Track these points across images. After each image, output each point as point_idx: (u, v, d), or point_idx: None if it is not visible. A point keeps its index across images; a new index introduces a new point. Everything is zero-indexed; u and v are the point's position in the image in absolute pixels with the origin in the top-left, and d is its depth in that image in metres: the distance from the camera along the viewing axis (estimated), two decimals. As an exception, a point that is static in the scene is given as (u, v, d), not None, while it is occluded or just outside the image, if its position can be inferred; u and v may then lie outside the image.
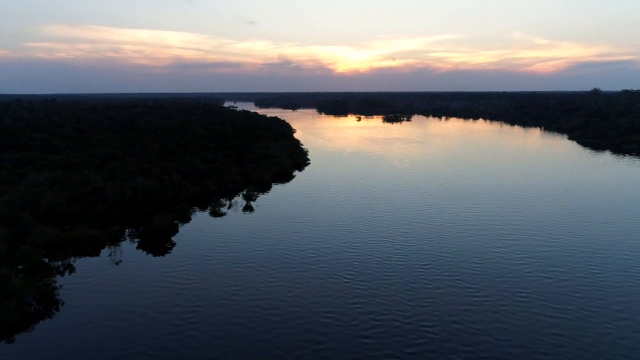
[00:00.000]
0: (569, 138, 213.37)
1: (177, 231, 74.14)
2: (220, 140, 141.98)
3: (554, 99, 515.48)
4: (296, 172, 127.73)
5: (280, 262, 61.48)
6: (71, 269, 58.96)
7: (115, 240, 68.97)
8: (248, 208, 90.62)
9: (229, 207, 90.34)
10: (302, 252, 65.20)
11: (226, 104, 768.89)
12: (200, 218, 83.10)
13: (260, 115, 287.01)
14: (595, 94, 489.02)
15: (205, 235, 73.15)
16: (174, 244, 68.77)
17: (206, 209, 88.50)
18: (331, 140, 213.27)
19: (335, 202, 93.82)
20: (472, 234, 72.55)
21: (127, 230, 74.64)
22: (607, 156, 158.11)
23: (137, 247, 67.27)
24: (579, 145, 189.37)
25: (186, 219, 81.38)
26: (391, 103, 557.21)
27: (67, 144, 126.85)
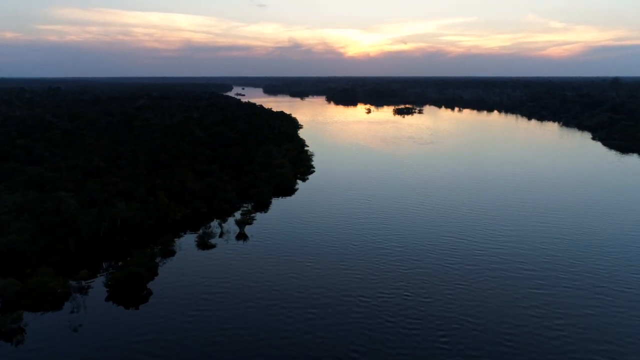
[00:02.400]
0: (593, 138, 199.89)
1: (157, 272, 64.55)
2: (219, 146, 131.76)
3: (571, 88, 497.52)
4: (299, 184, 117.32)
5: (275, 318, 51.50)
6: (21, 335, 49.65)
7: (81, 290, 59.47)
8: (241, 236, 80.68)
9: (220, 235, 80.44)
10: (299, 302, 55.20)
11: (234, 91, 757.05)
12: (186, 251, 73.33)
13: (265, 109, 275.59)
14: (616, 83, 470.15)
15: (187, 278, 63.39)
16: (149, 293, 59.16)
17: (195, 235, 78.55)
18: (339, 139, 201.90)
19: (340, 228, 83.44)
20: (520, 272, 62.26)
21: (100, 270, 65.29)
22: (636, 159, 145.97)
23: (107, 299, 57.74)
24: (605, 148, 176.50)
25: (169, 253, 71.70)
26: (402, 92, 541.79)
27: (52, 151, 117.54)
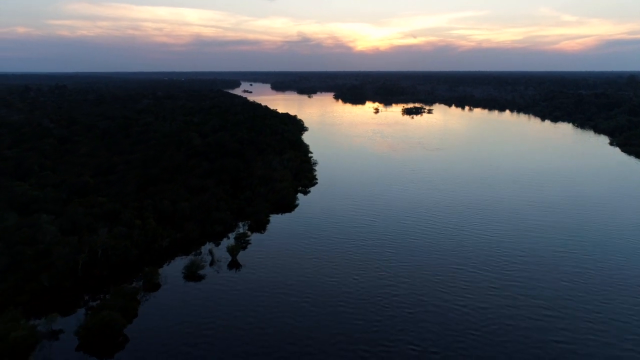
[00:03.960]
0: (611, 143, 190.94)
1: (136, 313, 58.73)
2: (217, 155, 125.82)
3: (586, 86, 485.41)
4: (300, 199, 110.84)
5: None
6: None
7: (50, 336, 53.81)
8: (234, 265, 74.70)
9: (211, 264, 74.51)
10: (293, 348, 48.87)
11: (242, 87, 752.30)
12: (172, 284, 67.37)
13: (270, 111, 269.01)
14: (632, 81, 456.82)
15: (170, 320, 57.47)
16: (126, 341, 53.34)
17: (184, 264, 72.74)
18: (344, 144, 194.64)
19: (340, 255, 77.06)
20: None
21: (75, 310, 59.62)
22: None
23: (78, 348, 52.01)
24: (624, 155, 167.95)
25: (153, 287, 65.87)
26: (411, 89, 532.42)
27: (42, 163, 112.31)
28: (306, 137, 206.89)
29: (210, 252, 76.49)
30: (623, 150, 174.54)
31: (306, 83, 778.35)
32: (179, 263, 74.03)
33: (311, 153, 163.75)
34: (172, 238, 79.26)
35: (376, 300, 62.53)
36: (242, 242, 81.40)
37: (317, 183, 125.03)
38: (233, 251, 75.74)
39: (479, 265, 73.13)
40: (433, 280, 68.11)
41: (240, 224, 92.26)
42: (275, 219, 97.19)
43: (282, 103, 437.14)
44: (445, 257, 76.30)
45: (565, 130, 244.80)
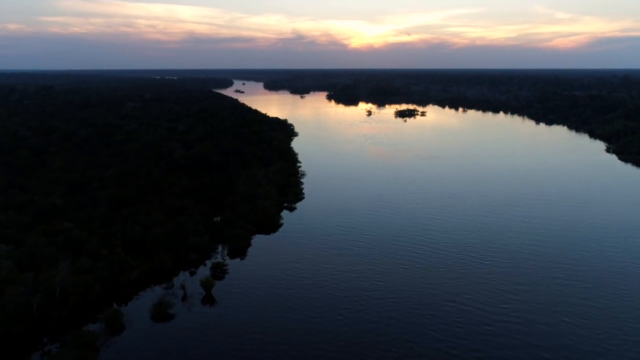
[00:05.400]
0: (607, 150, 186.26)
1: (93, 366, 52.82)
2: (199, 169, 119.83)
3: (580, 87, 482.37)
4: (285, 216, 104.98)
5: None
6: None
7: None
8: (208, 300, 68.88)
9: (183, 299, 68.62)
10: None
11: (234, 86, 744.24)
12: (137, 326, 61.26)
13: (260, 115, 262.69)
14: (627, 81, 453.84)
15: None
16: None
17: (155, 296, 66.79)
18: (335, 152, 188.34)
19: (325, 286, 71.43)
20: None
21: (26, 360, 53.75)
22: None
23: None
24: (621, 164, 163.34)
25: (115, 330, 59.88)
26: (404, 90, 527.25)
27: (11, 180, 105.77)
28: (296, 143, 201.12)
29: (183, 287, 70.47)
30: (620, 159, 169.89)
31: (299, 82, 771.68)
32: (148, 299, 68.00)
33: (300, 163, 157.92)
34: (142, 269, 73.26)
35: (365, 340, 56.98)
36: (218, 272, 75.84)
37: (303, 198, 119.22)
38: (207, 285, 69.86)
39: (479, 304, 67.65)
40: (424, 322, 62.52)
41: (219, 249, 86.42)
42: (257, 242, 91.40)
43: (274, 104, 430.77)
44: (441, 292, 70.75)
45: (560, 135, 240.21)
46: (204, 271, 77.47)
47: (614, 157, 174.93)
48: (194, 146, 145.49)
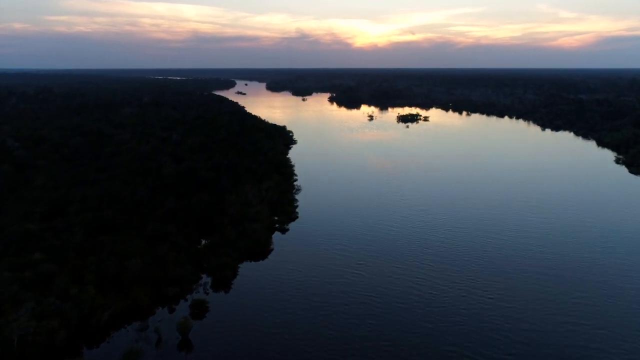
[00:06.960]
0: (617, 161, 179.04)
1: None
2: (187, 187, 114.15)
3: (587, 90, 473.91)
4: (276, 240, 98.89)
5: None
6: None
7: None
8: (184, 346, 63.12)
9: (157, 344, 62.83)
10: None
11: (237, 87, 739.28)
12: (104, 379, 55.83)
13: (259, 122, 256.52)
14: (634, 84, 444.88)
15: None
16: None
17: (127, 340, 61.18)
18: (333, 163, 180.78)
19: (315, 324, 65.50)
20: None
21: None
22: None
23: None
24: (632, 177, 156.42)
25: (79, 386, 54.30)
26: (407, 92, 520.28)
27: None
28: (294, 153, 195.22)
29: (157, 330, 64.63)
30: (631, 172, 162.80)
31: (302, 83, 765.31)
32: (119, 343, 62.32)
33: (296, 175, 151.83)
34: (115, 308, 67.53)
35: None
36: (199, 310, 70.07)
37: (297, 218, 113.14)
38: (184, 328, 64.00)
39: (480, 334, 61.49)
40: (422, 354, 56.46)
41: (203, 280, 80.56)
42: (245, 271, 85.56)
43: (275, 107, 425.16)
44: (439, 336, 64.63)
45: (568, 144, 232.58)
46: (183, 307, 71.77)
47: (624, 169, 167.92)
48: (186, 159, 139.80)
